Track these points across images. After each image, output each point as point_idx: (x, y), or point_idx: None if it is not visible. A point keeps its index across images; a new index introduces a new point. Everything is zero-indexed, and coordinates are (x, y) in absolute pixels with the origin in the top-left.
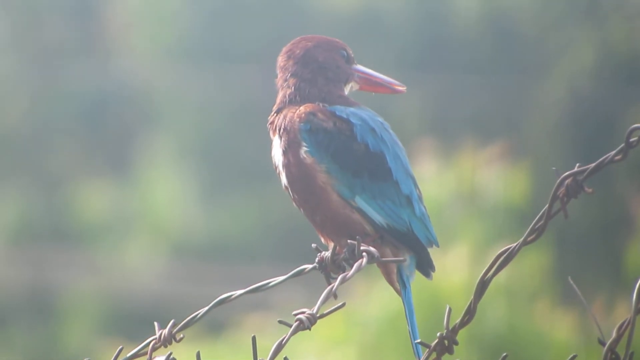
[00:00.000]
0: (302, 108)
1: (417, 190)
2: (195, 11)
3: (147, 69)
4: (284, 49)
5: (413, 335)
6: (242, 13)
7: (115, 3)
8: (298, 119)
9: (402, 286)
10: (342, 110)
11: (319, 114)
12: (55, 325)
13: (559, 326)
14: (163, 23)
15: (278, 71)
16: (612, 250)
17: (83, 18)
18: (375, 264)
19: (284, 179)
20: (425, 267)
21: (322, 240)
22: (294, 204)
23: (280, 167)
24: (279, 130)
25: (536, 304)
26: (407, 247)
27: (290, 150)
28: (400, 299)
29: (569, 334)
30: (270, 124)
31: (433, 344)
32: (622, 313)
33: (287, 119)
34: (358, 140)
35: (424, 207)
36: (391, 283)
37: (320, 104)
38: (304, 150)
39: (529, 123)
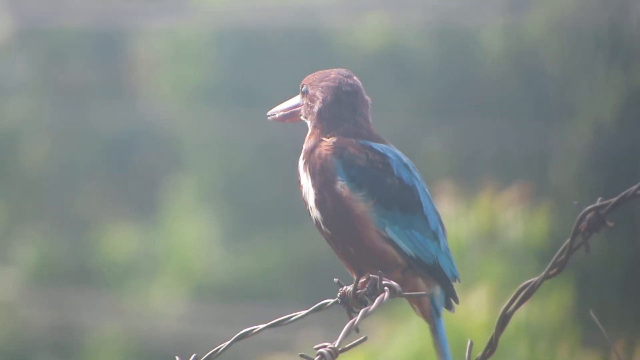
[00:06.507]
0: (332, 143)
1: (442, 227)
2: (219, 52)
3: (172, 110)
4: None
5: None
6: (265, 52)
7: (139, 44)
8: (331, 155)
9: (435, 315)
10: (375, 145)
11: (350, 148)
12: None
13: None
14: (187, 64)
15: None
16: (636, 287)
17: (108, 59)
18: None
19: (316, 215)
20: (449, 300)
21: (353, 276)
22: (324, 238)
23: (312, 204)
24: (311, 168)
25: (557, 343)
26: (434, 279)
27: (325, 187)
28: (426, 335)
29: None
30: (304, 162)
31: None
32: None
33: (319, 155)
34: (394, 174)
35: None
36: (423, 314)
37: (352, 139)
38: (339, 184)
39: (551, 164)
